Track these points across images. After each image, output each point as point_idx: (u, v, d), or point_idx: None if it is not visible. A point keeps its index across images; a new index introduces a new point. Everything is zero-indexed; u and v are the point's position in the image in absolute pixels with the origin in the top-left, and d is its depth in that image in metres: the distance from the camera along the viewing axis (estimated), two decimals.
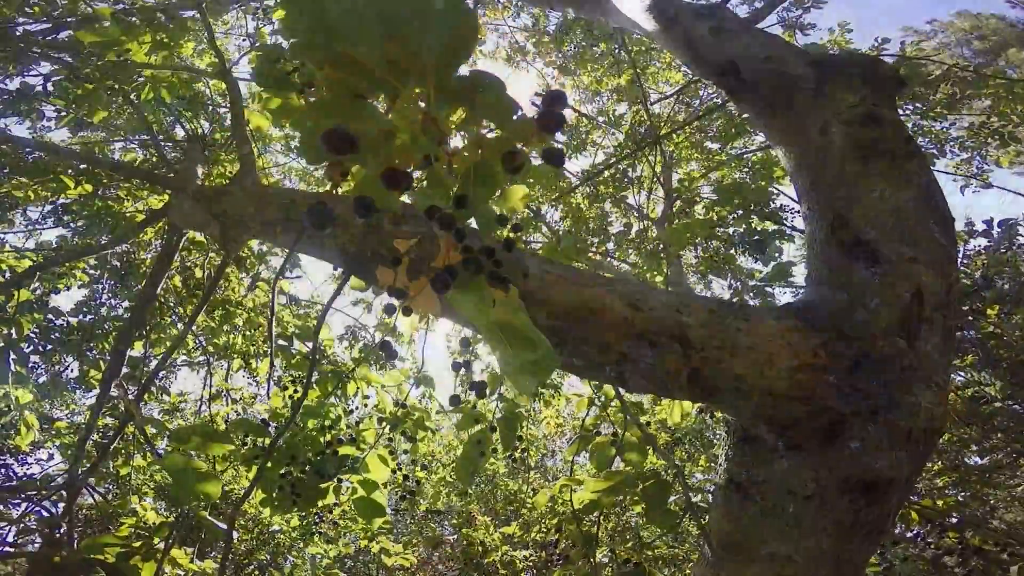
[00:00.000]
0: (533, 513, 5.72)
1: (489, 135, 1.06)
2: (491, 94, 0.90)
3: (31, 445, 6.06)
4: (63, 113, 4.25)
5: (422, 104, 0.94)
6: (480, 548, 4.82)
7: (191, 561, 3.30)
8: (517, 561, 4.83)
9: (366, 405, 2.06)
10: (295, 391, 2.06)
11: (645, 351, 1.13)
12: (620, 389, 1.76)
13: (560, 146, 0.76)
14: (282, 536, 5.83)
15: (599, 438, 1.73)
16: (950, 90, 5.86)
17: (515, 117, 0.91)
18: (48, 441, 5.56)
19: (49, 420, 5.85)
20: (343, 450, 1.77)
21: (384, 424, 1.85)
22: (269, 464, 1.77)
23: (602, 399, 1.84)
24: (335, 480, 1.75)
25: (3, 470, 8.41)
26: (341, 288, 1.54)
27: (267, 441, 1.81)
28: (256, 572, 6.99)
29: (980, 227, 6.38)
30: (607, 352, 1.13)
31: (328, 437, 1.73)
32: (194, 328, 4.03)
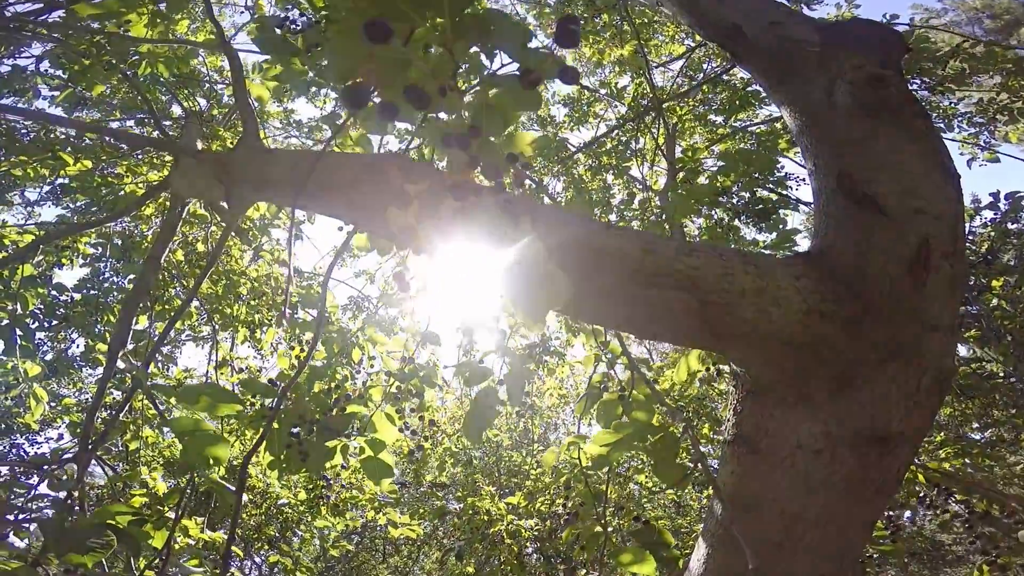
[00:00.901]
0: (538, 484, 5.79)
1: (501, 72, 1.05)
2: (506, 23, 0.90)
3: (40, 423, 6.12)
4: (59, 91, 4.21)
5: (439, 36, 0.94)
6: (486, 517, 4.89)
7: (202, 531, 3.35)
8: (523, 531, 4.89)
9: (372, 366, 2.06)
10: (301, 350, 2.07)
11: (655, 293, 1.13)
12: (627, 347, 1.76)
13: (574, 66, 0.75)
14: (289, 510, 5.92)
15: (607, 395, 1.73)
16: (959, 66, 5.78)
17: (529, 45, 0.90)
18: (57, 418, 5.62)
19: (57, 398, 5.90)
20: (351, 408, 1.78)
21: (391, 381, 1.85)
22: (276, 425, 1.77)
23: (609, 355, 1.84)
24: (344, 438, 1.76)
25: (14, 450, 8.52)
26: (348, 241, 1.53)
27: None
28: (266, 547, 7.10)
29: (987, 200, 6.34)
30: (618, 295, 1.13)
31: (336, 395, 1.74)
32: (199, 299, 4.04)
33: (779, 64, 2.03)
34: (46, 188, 5.35)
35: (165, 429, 5.29)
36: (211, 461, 1.89)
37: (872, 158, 1.64)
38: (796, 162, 5.40)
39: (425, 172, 1.34)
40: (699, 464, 1.51)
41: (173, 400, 3.41)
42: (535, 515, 5.25)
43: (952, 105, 6.32)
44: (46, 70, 4.41)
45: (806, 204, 5.65)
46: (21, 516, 2.25)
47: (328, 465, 1.83)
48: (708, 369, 1.90)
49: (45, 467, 2.85)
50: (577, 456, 1.69)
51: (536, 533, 5.14)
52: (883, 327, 1.35)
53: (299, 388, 1.81)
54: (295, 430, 1.81)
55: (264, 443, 1.77)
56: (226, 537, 1.53)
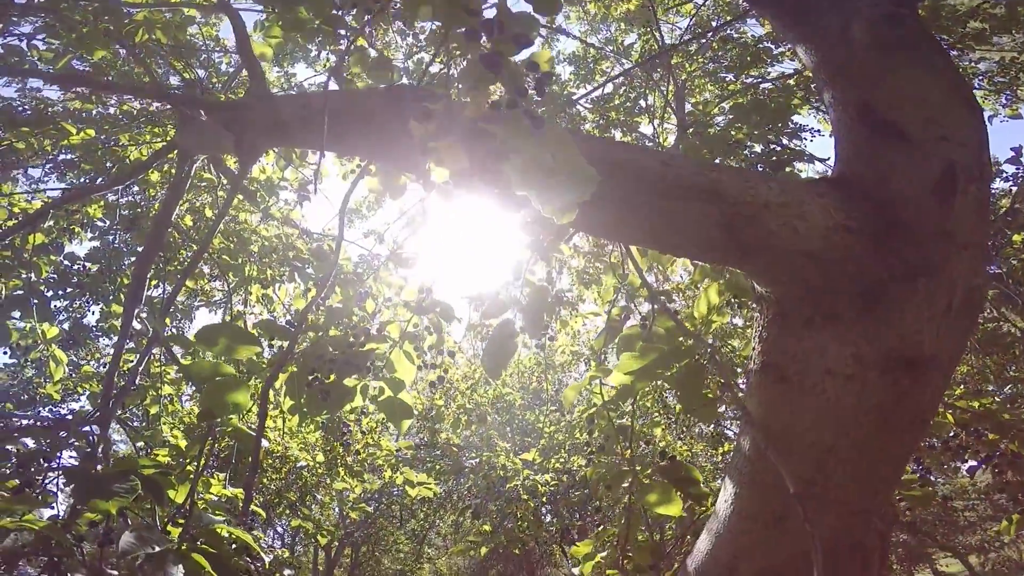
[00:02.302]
0: (552, 442, 5.85)
1: None
2: None
3: (62, 393, 6.20)
4: (54, 66, 4.14)
5: None
6: (502, 472, 4.94)
7: (224, 487, 3.40)
8: (540, 486, 4.94)
9: (387, 304, 2.05)
10: (318, 293, 2.07)
11: (678, 204, 1.10)
12: (647, 280, 1.73)
13: None
14: (307, 474, 6.01)
15: (627, 328, 1.70)
16: (979, 26, 5.61)
17: None
18: (78, 387, 5.70)
19: (77, 366, 5.98)
20: (370, 345, 1.78)
21: (410, 318, 1.84)
22: (295, 368, 1.78)
23: (628, 288, 1.81)
24: (364, 376, 1.76)
25: (38, 423, 8.66)
26: (360, 178, 1.50)
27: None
28: (287, 512, 7.26)
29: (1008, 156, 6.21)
30: (639, 207, 1.10)
31: (353, 334, 1.74)
32: (210, 258, 4.02)
33: (793, 4, 1.98)
34: (49, 164, 5.33)
35: (184, 398, 5.34)
36: (232, 407, 1.89)
37: (893, 90, 1.59)
38: (815, 106, 5.26)
39: (440, 96, 1.31)
40: (726, 393, 1.49)
41: (189, 360, 3.43)
42: (550, 471, 5.29)
43: (971, 64, 6.15)
44: (43, 38, 4.35)
45: (820, 160, 5.56)
46: (47, 466, 2.28)
47: (347, 408, 1.83)
48: (728, 302, 1.85)
49: (68, 428, 2.88)
50: (600, 391, 1.67)
51: (551, 489, 5.19)
52: (910, 243, 1.32)
53: (317, 329, 1.81)
54: (315, 374, 1.81)
55: (284, 383, 1.77)
56: (248, 474, 1.55)
